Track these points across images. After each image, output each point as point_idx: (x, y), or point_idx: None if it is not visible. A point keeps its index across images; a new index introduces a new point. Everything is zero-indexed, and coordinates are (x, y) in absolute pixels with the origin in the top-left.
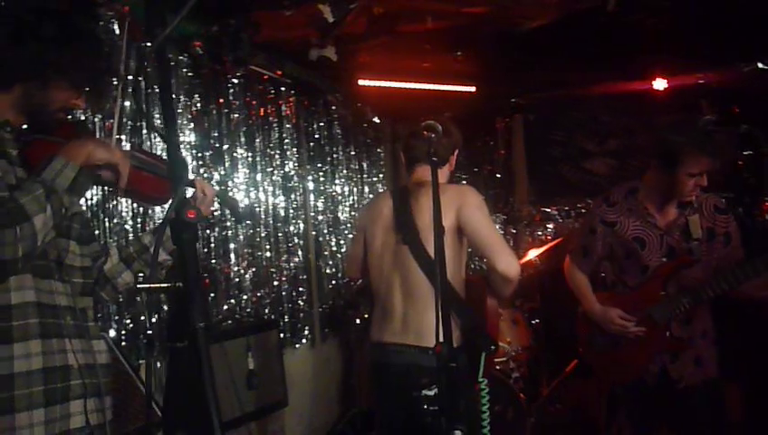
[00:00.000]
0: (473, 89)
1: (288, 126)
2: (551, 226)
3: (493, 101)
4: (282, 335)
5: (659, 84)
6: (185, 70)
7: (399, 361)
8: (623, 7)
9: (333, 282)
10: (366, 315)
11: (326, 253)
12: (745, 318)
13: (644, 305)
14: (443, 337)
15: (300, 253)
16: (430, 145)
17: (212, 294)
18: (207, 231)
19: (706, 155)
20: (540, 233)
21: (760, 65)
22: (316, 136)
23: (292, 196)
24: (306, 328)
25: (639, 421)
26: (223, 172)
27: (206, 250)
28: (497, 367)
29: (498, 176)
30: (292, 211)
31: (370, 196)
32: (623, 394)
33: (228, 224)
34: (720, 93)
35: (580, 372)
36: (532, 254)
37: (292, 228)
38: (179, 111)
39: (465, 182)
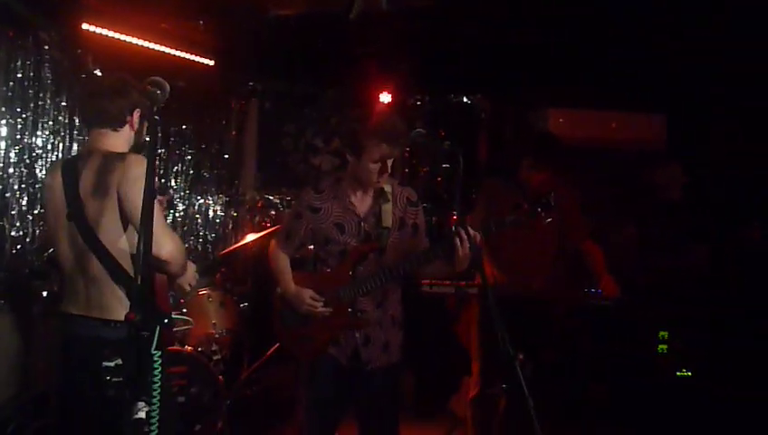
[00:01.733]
0: (211, 62)
1: None
2: (271, 213)
3: (231, 80)
4: None
5: (385, 97)
6: None
7: (84, 332)
8: (364, 19)
9: (19, 246)
10: (56, 287)
11: (13, 212)
12: (424, 308)
13: (335, 286)
14: (138, 306)
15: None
16: (154, 103)
17: None
18: None
19: (384, 142)
20: (260, 219)
21: (465, 99)
22: (18, 75)
23: None
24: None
25: (328, 403)
26: None
27: None
28: (199, 349)
29: (226, 157)
30: None
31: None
32: (313, 370)
33: None
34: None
35: (280, 357)
36: (249, 238)
37: None
38: None
39: (189, 157)
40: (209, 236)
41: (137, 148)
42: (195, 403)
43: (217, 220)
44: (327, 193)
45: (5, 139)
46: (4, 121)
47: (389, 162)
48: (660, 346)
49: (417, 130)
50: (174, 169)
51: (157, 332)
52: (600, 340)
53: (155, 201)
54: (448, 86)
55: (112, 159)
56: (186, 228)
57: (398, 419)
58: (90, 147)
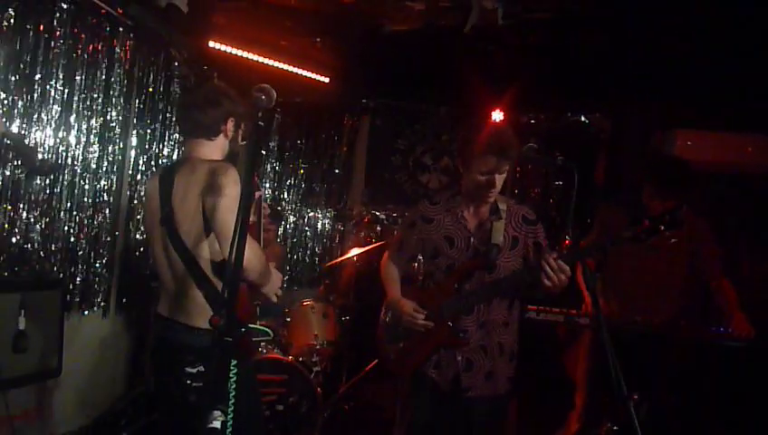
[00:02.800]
0: (327, 79)
1: (119, 70)
2: (377, 229)
3: (344, 96)
4: (68, 298)
5: (497, 116)
6: None
7: (171, 336)
8: (479, 34)
9: (142, 249)
10: None
11: (139, 217)
12: (531, 335)
13: (439, 301)
14: (225, 312)
15: (107, 211)
16: (259, 109)
17: None
18: None
19: (492, 154)
20: (366, 234)
21: (583, 118)
22: (150, 89)
23: (110, 147)
24: (100, 295)
25: (426, 427)
26: (28, 104)
27: None
28: (300, 358)
29: (336, 171)
30: (106, 164)
31: None
32: (412, 390)
33: (23, 171)
34: (546, 135)
35: (379, 373)
36: (354, 252)
37: (103, 183)
38: None
39: (302, 171)
40: (317, 249)
41: (232, 155)
42: (292, 413)
43: (325, 233)
44: (441, 205)
45: (136, 147)
46: (134, 132)
47: (499, 178)
48: None
49: (530, 144)
50: (287, 183)
51: (235, 343)
52: (727, 384)
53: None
54: (566, 104)
55: (202, 167)
56: (295, 240)
57: None
58: (186, 155)
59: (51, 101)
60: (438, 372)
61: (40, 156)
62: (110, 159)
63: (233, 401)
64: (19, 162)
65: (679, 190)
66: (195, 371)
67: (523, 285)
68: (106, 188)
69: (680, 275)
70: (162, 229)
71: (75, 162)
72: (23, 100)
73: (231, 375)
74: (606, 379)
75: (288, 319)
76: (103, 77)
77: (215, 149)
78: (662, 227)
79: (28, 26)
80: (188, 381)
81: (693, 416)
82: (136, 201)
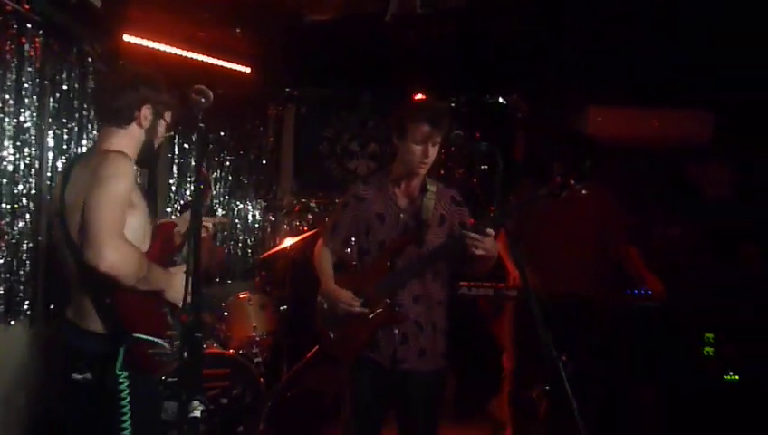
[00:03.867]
0: (248, 69)
1: (30, 69)
2: (309, 217)
3: (267, 86)
4: None
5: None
6: None
7: (65, 339)
8: (398, 21)
9: None
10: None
11: None
12: (463, 310)
13: (373, 281)
14: (191, 306)
15: (28, 216)
16: (199, 110)
17: None
18: None
19: (426, 122)
20: (298, 223)
21: (501, 99)
22: (64, 87)
23: (26, 150)
24: (26, 303)
25: (370, 406)
26: None
27: None
28: (240, 351)
29: (264, 162)
30: (23, 167)
31: None
32: (356, 373)
33: None
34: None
35: (320, 359)
36: (287, 242)
37: (21, 187)
38: None
39: (228, 163)
40: (249, 241)
41: (148, 147)
42: (237, 405)
43: (256, 225)
44: (373, 184)
45: (53, 149)
46: (50, 132)
47: (432, 149)
48: (706, 349)
49: (456, 132)
50: (213, 176)
51: (121, 353)
52: (644, 343)
53: (114, 204)
54: (484, 87)
55: (96, 158)
56: (225, 233)
57: (437, 423)
58: (95, 145)
59: None
60: (378, 352)
61: None
62: (27, 161)
63: (126, 416)
64: None
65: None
66: (81, 377)
67: (453, 257)
68: (24, 192)
69: (592, 246)
70: (57, 225)
71: None
72: None
73: (122, 388)
74: (533, 346)
75: (225, 313)
76: (14, 77)
77: (126, 138)
78: (572, 182)
79: None
80: (73, 389)
81: (615, 379)
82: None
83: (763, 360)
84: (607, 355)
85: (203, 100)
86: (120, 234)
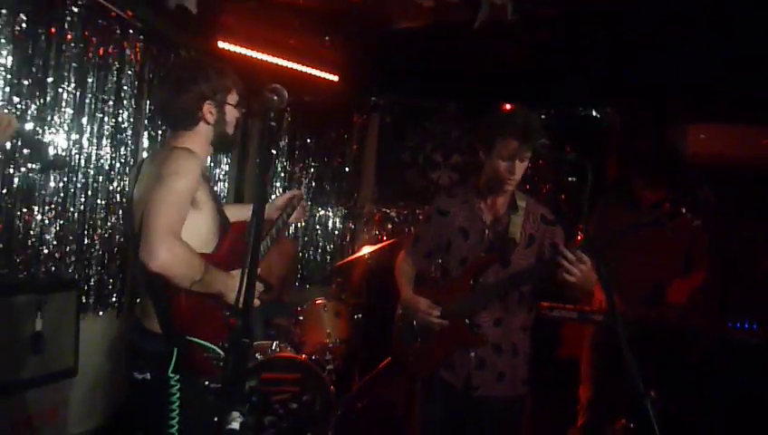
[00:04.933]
0: (336, 78)
1: (129, 72)
2: (388, 226)
3: (353, 94)
4: (83, 299)
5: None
6: None
7: (130, 336)
8: (489, 29)
9: None
10: None
11: None
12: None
13: (454, 297)
14: (242, 310)
15: (120, 213)
16: (269, 108)
17: None
18: (11, 169)
19: (513, 138)
20: (377, 232)
21: (594, 113)
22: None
23: (122, 149)
24: (114, 295)
25: (439, 427)
26: (41, 107)
27: (4, 190)
28: (313, 357)
29: (347, 169)
30: (119, 166)
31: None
32: (426, 391)
33: (36, 166)
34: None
35: (392, 371)
36: (366, 250)
37: (116, 184)
38: None
39: (312, 170)
40: (328, 248)
41: (221, 138)
42: (306, 411)
43: (336, 232)
44: (458, 197)
45: (148, 149)
46: (145, 133)
47: (520, 165)
48: None
49: (541, 141)
50: (298, 182)
51: (174, 354)
52: (744, 381)
53: (173, 202)
54: (576, 99)
55: (163, 154)
56: (306, 238)
57: None
58: (166, 142)
59: (63, 104)
60: (451, 373)
61: (52, 152)
62: (123, 160)
63: (174, 420)
64: (32, 161)
65: (670, 179)
66: (141, 377)
67: (540, 280)
68: (119, 189)
69: (680, 267)
70: (127, 221)
71: (88, 164)
72: (36, 103)
73: (173, 390)
74: (615, 377)
75: (300, 317)
76: (114, 79)
77: (194, 136)
78: (683, 210)
79: (40, 30)
80: (134, 388)
81: (708, 414)
82: None
83: None
84: (701, 393)
85: (275, 98)
86: (176, 233)
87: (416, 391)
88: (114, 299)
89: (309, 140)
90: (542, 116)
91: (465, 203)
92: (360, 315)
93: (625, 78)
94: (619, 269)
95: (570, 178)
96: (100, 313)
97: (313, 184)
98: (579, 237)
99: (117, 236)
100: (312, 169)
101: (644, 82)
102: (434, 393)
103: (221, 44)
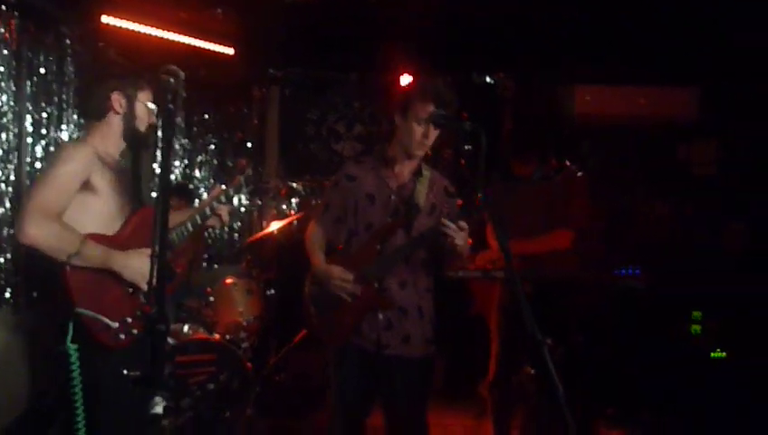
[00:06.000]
0: (231, 51)
1: (5, 52)
2: (295, 200)
3: (251, 67)
4: None
5: (405, 80)
6: None
7: None
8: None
9: None
10: None
11: None
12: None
13: (363, 264)
14: (155, 298)
15: (8, 203)
16: (168, 91)
17: None
18: None
19: (432, 102)
20: (284, 207)
21: (488, 78)
22: (42, 71)
23: (3, 135)
24: (9, 290)
25: (355, 391)
26: None
27: None
28: (227, 336)
29: (249, 145)
30: (1, 153)
31: None
32: (340, 359)
33: None
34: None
35: (308, 343)
36: (274, 226)
37: (0, 173)
38: None
39: (212, 146)
40: (235, 225)
41: (131, 132)
42: (224, 390)
43: (242, 209)
44: (366, 163)
45: (32, 134)
46: (29, 117)
47: (433, 131)
48: (694, 327)
49: (438, 110)
50: (198, 159)
51: (70, 326)
52: (630, 323)
53: (50, 184)
54: (470, 65)
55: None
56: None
57: (424, 411)
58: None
59: None
60: (361, 338)
61: None
62: (5, 147)
63: (76, 389)
64: None
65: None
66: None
67: (438, 245)
68: (3, 178)
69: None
70: None
71: None
72: None
73: (72, 359)
74: (520, 329)
75: (211, 298)
76: None
77: (104, 128)
78: (568, 163)
79: None
80: (124, 371)
81: (602, 356)
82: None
83: (749, 336)
84: (593, 337)
85: (171, 80)
86: (47, 211)
87: (330, 361)
88: (9, 296)
89: (207, 116)
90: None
91: (373, 169)
92: (272, 291)
93: (517, 43)
94: (518, 230)
95: (467, 147)
96: None
97: (215, 161)
98: (477, 202)
99: (6, 228)
100: (213, 146)
101: (535, 46)
102: (348, 360)
103: (105, 19)
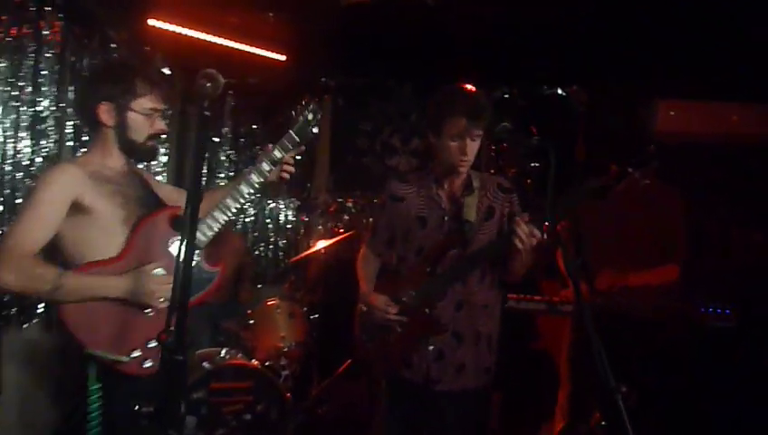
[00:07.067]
0: (283, 57)
1: (48, 55)
2: (345, 218)
3: (302, 75)
4: (4, 311)
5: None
6: None
7: None
8: (444, 5)
9: None
10: None
11: None
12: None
13: (412, 288)
14: (174, 326)
15: None
16: (203, 96)
17: None
18: None
19: (463, 116)
20: (333, 224)
21: (560, 91)
22: (86, 75)
23: (43, 141)
24: (42, 306)
25: (402, 422)
26: None
27: None
28: (267, 363)
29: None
30: (40, 160)
31: None
32: (390, 392)
33: None
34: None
35: (354, 373)
36: (321, 244)
37: None
38: None
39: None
40: (280, 243)
41: (129, 145)
42: (261, 422)
43: (288, 225)
44: (412, 183)
45: (72, 140)
46: (71, 123)
47: (471, 144)
48: None
49: (503, 124)
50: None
51: (91, 370)
52: (720, 367)
53: (27, 216)
54: (540, 76)
55: None
56: (256, 234)
57: None
58: None
59: None
60: (411, 371)
61: None
62: (45, 154)
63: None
64: None
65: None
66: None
67: (499, 257)
68: None
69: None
70: None
71: (4, 160)
72: None
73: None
74: (590, 370)
75: (251, 321)
76: (31, 63)
77: (99, 141)
78: (630, 169)
79: None
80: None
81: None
82: None
83: None
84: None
85: (209, 85)
86: (21, 251)
87: (378, 393)
88: (41, 310)
89: (255, 126)
90: (506, 95)
91: (421, 188)
92: (316, 315)
93: (590, 54)
94: (601, 258)
95: (533, 164)
96: (24, 325)
97: None
98: (544, 226)
99: None
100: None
101: (611, 57)
102: (397, 393)
103: (152, 22)
